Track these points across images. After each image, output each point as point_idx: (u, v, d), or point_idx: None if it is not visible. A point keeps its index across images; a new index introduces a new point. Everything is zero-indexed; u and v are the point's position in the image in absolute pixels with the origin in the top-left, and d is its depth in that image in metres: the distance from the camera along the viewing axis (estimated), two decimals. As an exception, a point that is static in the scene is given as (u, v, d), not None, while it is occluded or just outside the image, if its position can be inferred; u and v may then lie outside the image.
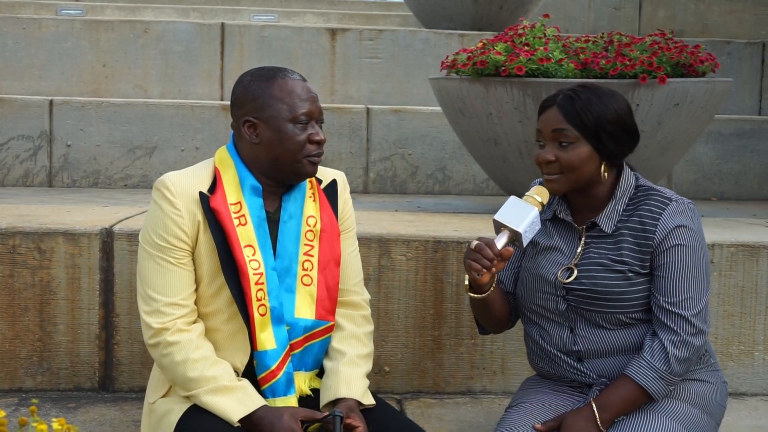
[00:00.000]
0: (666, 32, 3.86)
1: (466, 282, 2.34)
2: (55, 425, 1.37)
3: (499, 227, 2.28)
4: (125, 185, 4.97)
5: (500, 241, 2.25)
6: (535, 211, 2.28)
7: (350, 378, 2.35)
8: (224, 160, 2.35)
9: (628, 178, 2.36)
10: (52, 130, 4.96)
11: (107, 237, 2.95)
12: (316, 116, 2.34)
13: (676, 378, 2.25)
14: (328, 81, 5.79)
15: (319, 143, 2.33)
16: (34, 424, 1.37)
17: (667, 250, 2.26)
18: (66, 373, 2.96)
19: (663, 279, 2.26)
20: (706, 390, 2.35)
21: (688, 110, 3.73)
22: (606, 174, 2.32)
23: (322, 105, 5.23)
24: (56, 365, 2.96)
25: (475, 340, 3.07)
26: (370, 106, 5.17)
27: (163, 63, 5.74)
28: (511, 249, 2.25)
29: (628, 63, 3.60)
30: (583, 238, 2.36)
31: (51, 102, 4.97)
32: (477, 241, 2.24)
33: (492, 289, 2.34)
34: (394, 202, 4.57)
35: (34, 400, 1.69)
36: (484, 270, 2.23)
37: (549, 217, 2.43)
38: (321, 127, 2.36)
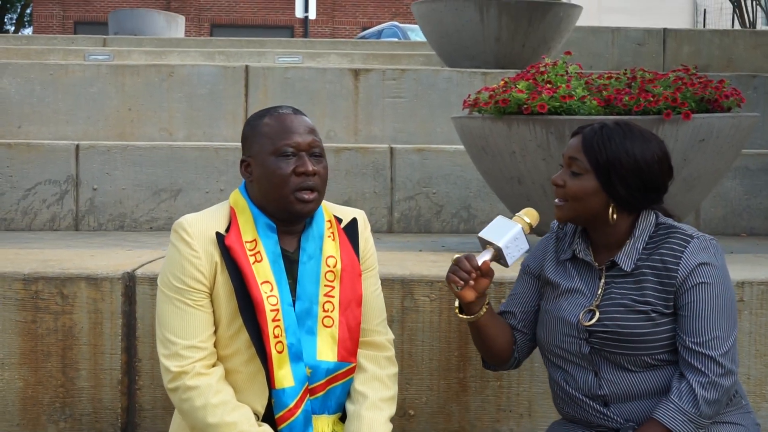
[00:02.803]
0: (689, 67, 3.83)
1: (456, 303, 2.34)
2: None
3: (484, 244, 2.29)
4: (151, 228, 4.99)
5: (482, 257, 2.27)
6: (518, 228, 2.30)
7: (372, 423, 2.32)
8: (238, 201, 2.36)
9: (647, 216, 2.32)
10: (78, 174, 4.99)
11: (129, 281, 2.95)
12: (304, 148, 2.30)
13: (706, 420, 2.18)
14: (351, 121, 5.81)
15: (306, 174, 2.28)
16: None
17: (690, 288, 2.22)
18: (88, 419, 2.94)
19: (688, 318, 2.21)
20: (737, 433, 2.28)
21: (714, 146, 3.69)
22: (615, 216, 2.28)
23: (346, 145, 5.28)
24: (79, 411, 2.94)
25: (501, 382, 3.02)
26: (393, 146, 5.16)
27: (188, 106, 5.78)
28: (488, 262, 2.26)
29: (651, 99, 3.57)
30: (603, 278, 2.32)
31: (77, 146, 5.01)
32: (458, 255, 2.25)
33: (483, 312, 2.33)
34: (418, 241, 4.54)
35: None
36: (462, 282, 2.24)
37: (568, 257, 2.39)
38: (319, 161, 2.32)
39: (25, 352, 2.92)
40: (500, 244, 2.26)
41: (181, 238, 2.28)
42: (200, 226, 2.30)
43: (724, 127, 3.68)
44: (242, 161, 2.38)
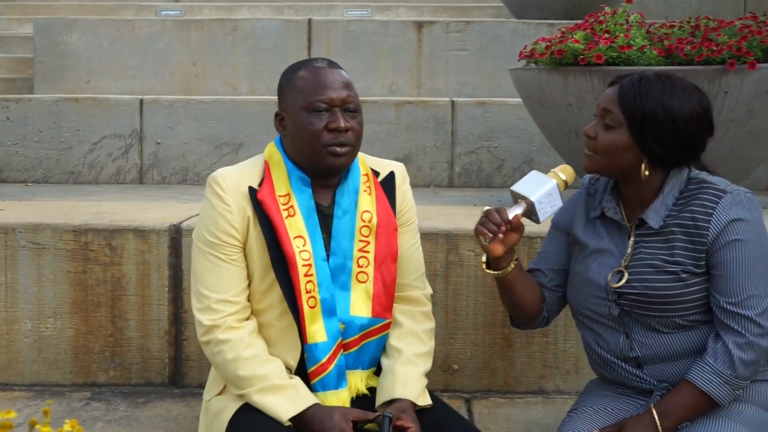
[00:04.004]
0: (758, 15, 3.66)
1: (484, 258, 2.27)
2: (66, 427, 1.36)
3: (516, 198, 2.23)
4: (213, 182, 5.03)
5: (513, 210, 2.19)
6: (553, 183, 2.21)
7: (407, 378, 2.29)
8: (273, 155, 2.34)
9: (679, 171, 2.20)
10: (142, 128, 5.06)
11: (176, 233, 2.98)
12: (338, 103, 2.25)
13: (742, 382, 2.10)
14: (414, 75, 5.74)
15: (338, 130, 2.23)
16: (38, 426, 1.36)
17: (723, 246, 2.11)
18: (137, 368, 3.00)
19: (722, 278, 2.11)
20: (774, 390, 2.19)
21: (781, 97, 3.53)
22: (647, 173, 2.17)
23: (407, 99, 5.21)
24: (128, 360, 3.00)
25: (547, 338, 2.97)
26: (455, 99, 5.09)
27: (252, 60, 5.80)
28: (519, 216, 2.19)
29: (714, 48, 3.42)
30: (632, 237, 2.22)
31: (141, 101, 5.07)
32: (488, 207, 2.19)
33: (510, 268, 2.25)
34: (476, 196, 4.49)
35: (47, 403, 1.69)
36: (491, 235, 2.17)
37: (597, 215, 2.29)
38: (354, 116, 2.27)
39: (76, 302, 2.98)
40: (533, 199, 2.19)
41: (215, 192, 2.28)
42: (233, 180, 2.29)
43: (792, 77, 3.52)
44: (276, 114, 2.36)
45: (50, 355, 3.00)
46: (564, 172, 2.26)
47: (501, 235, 2.19)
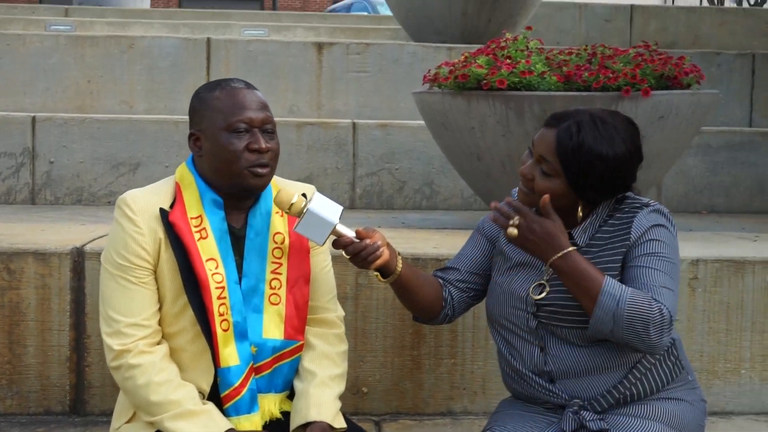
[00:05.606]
0: (650, 44, 3.81)
1: (375, 273, 2.32)
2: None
3: (325, 235, 2.25)
4: (109, 202, 4.91)
5: (346, 232, 2.25)
6: (311, 208, 2.21)
7: (321, 401, 2.29)
8: (185, 176, 2.31)
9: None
10: (34, 146, 4.90)
11: (78, 256, 2.89)
12: (257, 124, 2.25)
13: (623, 326, 2.10)
14: (314, 95, 5.74)
15: (260, 152, 2.23)
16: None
17: (642, 243, 2.20)
18: (36, 396, 2.90)
19: (637, 269, 2.17)
20: (683, 409, 2.26)
21: (673, 123, 3.68)
22: (581, 214, 2.26)
23: (308, 120, 5.20)
24: (26, 388, 2.90)
25: (455, 359, 3.01)
26: (356, 121, 5.12)
27: (149, 78, 5.69)
28: (356, 231, 2.26)
29: (611, 75, 3.55)
30: None
31: (33, 118, 4.92)
32: (345, 252, 2.24)
33: (401, 265, 2.31)
34: (379, 218, 4.51)
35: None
36: (381, 249, 2.24)
37: None
38: (272, 137, 2.27)
39: (-29, 328, 2.86)
40: (335, 221, 2.24)
41: (125, 214, 2.24)
42: (144, 202, 2.25)
43: (683, 104, 3.67)
44: (191, 135, 2.33)
45: (-58, 384, 2.87)
46: (283, 197, 2.24)
47: (380, 242, 2.25)
